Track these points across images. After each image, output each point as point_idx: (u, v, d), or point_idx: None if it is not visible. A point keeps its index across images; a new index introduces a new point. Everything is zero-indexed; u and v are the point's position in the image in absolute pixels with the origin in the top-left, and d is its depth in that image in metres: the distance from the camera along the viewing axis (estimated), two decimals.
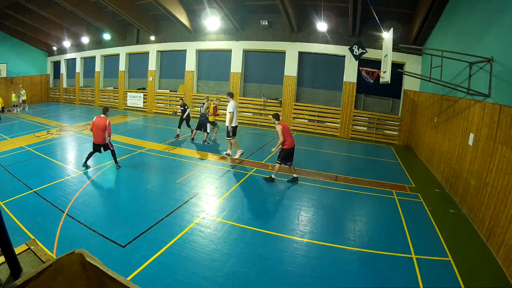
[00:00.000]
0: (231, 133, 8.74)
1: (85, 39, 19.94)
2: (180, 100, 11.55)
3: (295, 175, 7.21)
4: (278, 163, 7.03)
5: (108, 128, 7.29)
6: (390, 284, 3.80)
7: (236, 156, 8.68)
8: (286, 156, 7.01)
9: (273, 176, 7.17)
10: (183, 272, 3.78)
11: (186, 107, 11.08)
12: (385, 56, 7.25)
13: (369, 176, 7.89)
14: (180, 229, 4.81)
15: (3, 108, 17.01)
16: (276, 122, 7.07)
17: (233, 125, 8.70)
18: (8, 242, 1.08)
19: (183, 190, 6.47)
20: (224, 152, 9.21)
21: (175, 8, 14.39)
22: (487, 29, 5.82)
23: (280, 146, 6.93)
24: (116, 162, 7.66)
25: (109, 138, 7.40)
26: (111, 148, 7.50)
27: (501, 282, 3.89)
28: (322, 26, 12.58)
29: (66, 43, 20.89)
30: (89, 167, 7.52)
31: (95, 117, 7.35)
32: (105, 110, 7.44)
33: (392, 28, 6.81)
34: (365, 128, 13.42)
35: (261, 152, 9.87)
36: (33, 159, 8.24)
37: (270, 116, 14.74)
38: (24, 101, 18.47)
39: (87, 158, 7.43)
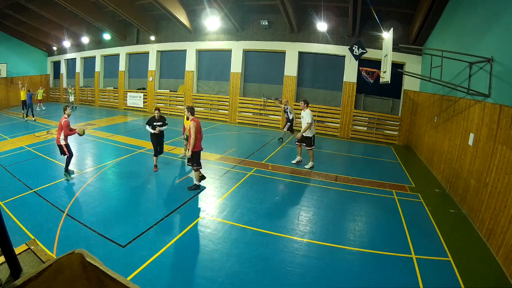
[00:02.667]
0: (312, 143, 8.17)
1: (85, 39, 19.94)
2: (157, 111, 7.80)
3: (198, 182, 6.50)
4: (195, 169, 6.29)
5: (65, 129, 6.51)
6: (390, 284, 3.80)
7: (308, 166, 8.19)
8: (199, 159, 6.28)
9: (196, 183, 6.48)
10: (183, 272, 3.78)
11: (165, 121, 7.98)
12: (385, 56, 7.25)
13: (369, 176, 7.89)
14: (180, 229, 4.81)
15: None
16: (191, 117, 6.16)
17: (309, 135, 7.99)
18: (8, 242, 1.08)
19: (183, 190, 6.47)
20: (306, 166, 8.29)
21: (175, 8, 14.39)
22: (487, 29, 5.82)
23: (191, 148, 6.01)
24: (66, 170, 6.74)
25: (63, 140, 6.61)
26: (66, 154, 6.71)
27: (501, 282, 3.89)
28: (322, 26, 12.58)
29: (66, 43, 20.89)
30: (72, 174, 6.94)
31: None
32: (64, 109, 6.80)
33: (392, 28, 6.80)
34: (365, 128, 13.42)
35: (261, 152, 9.86)
36: (33, 159, 8.24)
37: (271, 116, 15.01)
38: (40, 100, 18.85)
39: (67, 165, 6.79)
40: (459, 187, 6.39)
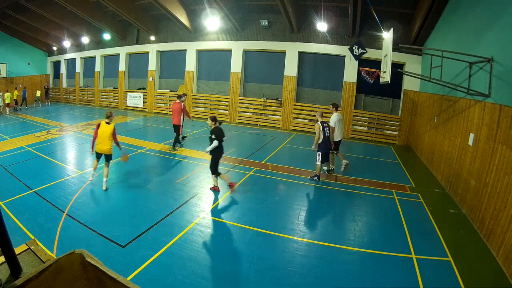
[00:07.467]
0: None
1: (85, 39, 19.94)
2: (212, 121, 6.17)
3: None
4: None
5: (184, 110, 9.34)
6: (390, 284, 3.80)
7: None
8: None
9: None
10: (183, 272, 3.78)
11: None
12: (385, 56, 7.25)
13: (369, 176, 7.89)
14: (180, 229, 4.81)
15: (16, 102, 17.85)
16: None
17: (335, 140, 7.85)
18: (8, 242, 1.08)
19: (183, 190, 6.47)
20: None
21: (175, 8, 14.39)
22: (487, 29, 5.82)
23: None
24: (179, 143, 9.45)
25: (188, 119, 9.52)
26: (181, 133, 9.48)
27: (501, 282, 3.89)
28: (322, 26, 12.58)
29: (66, 43, 20.89)
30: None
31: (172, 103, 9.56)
32: (179, 97, 9.46)
33: (392, 28, 6.80)
34: (365, 128, 13.42)
35: (261, 152, 9.86)
36: (33, 159, 8.24)
37: (271, 116, 15.00)
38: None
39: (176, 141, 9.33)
40: (459, 187, 6.39)
